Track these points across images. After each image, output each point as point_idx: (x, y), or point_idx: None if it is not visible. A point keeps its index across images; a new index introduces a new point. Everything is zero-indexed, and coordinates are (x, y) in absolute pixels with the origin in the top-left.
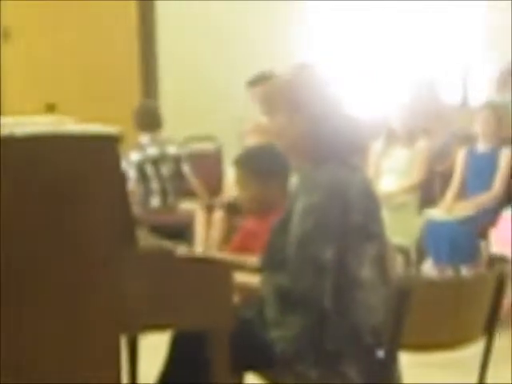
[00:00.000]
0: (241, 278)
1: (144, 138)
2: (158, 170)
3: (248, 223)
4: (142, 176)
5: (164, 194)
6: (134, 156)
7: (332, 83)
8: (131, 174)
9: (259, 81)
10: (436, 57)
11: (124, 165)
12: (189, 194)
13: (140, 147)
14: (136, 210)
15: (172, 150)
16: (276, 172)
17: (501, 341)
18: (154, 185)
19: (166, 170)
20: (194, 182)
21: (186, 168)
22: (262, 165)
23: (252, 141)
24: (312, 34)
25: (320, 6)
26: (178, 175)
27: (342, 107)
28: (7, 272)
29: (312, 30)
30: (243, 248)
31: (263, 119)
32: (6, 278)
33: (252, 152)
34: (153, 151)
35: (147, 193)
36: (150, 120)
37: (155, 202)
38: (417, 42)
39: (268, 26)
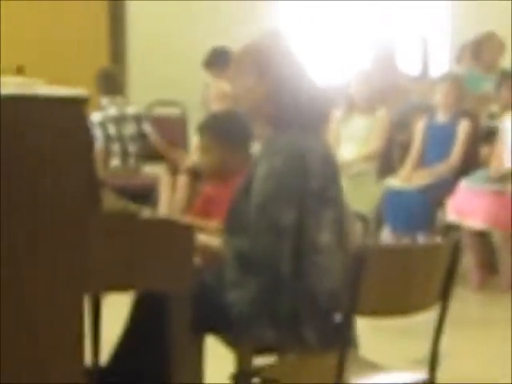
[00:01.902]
0: (203, 239)
1: (104, 100)
2: (119, 131)
3: (208, 188)
4: (105, 137)
5: (125, 155)
6: (96, 116)
7: (297, 50)
8: (98, 134)
9: (214, 61)
10: (396, 27)
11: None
12: (152, 156)
13: (100, 108)
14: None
15: (131, 110)
16: (239, 138)
17: (456, 306)
18: (115, 146)
19: (127, 130)
20: (158, 142)
21: (147, 127)
22: (225, 130)
23: (216, 107)
24: (277, 2)
25: None
26: (140, 136)
27: (306, 74)
28: None
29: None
30: (204, 213)
31: (226, 85)
32: None
33: (216, 117)
34: (112, 111)
35: (108, 154)
36: (111, 85)
37: (115, 162)
38: (378, 11)
39: None
